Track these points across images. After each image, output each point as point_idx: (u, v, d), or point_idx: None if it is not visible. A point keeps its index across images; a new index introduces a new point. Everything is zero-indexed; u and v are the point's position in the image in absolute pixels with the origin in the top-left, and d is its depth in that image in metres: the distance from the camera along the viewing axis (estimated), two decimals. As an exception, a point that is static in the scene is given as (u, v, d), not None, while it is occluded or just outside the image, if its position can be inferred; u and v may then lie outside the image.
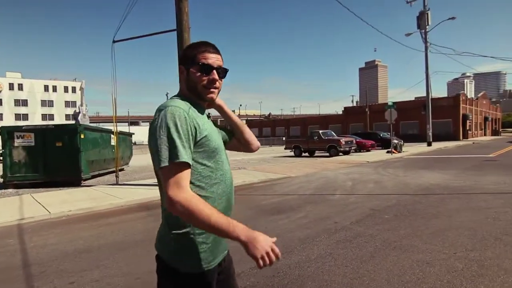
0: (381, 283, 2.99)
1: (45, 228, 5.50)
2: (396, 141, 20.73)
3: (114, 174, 10.48)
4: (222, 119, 1.59)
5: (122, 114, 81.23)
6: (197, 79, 1.31)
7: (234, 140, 1.60)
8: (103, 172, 12.41)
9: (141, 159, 19.87)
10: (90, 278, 3.37)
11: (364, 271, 3.25)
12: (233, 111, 3.56)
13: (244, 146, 1.63)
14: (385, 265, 3.38)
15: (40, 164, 10.06)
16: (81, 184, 10.13)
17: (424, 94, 29.20)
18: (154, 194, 7.85)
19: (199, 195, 1.21)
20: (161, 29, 9.88)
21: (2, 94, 77.57)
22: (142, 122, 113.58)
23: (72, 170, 10.03)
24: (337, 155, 19.29)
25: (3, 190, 9.62)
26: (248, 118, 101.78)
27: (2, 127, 10.32)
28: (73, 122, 24.46)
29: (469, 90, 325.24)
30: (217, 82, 1.33)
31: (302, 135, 44.06)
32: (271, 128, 67.52)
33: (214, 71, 1.31)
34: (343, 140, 19.72)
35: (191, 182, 1.21)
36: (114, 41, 9.50)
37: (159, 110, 1.23)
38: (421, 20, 26.43)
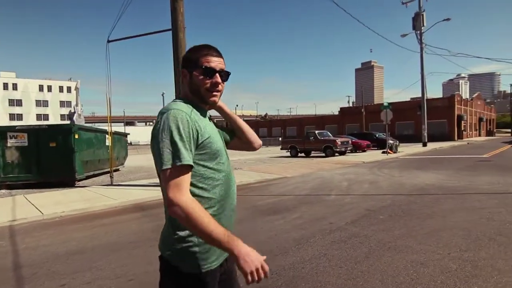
0: (375, 284, 2.99)
1: (37, 230, 5.43)
2: (391, 142, 20.83)
3: (109, 174, 10.41)
4: (222, 119, 1.60)
5: (117, 114, 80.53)
6: (200, 82, 1.33)
7: (236, 139, 1.62)
8: (98, 173, 12.31)
9: (137, 160, 19.79)
10: (81, 280, 3.33)
11: (358, 272, 3.25)
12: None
13: (246, 145, 1.65)
14: (379, 266, 3.38)
15: (33, 164, 9.96)
16: (75, 185, 10.04)
17: (420, 95, 29.42)
18: (149, 194, 7.80)
19: (202, 196, 1.24)
20: (157, 29, 9.82)
21: (-4, 94, 76.94)
22: (138, 122, 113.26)
23: (66, 170, 9.94)
24: (333, 155, 19.33)
25: (-4, 191, 9.52)
26: (245, 119, 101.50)
27: (-5, 127, 10.21)
28: (68, 122, 24.31)
29: (464, 91, 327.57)
30: (219, 85, 1.36)
31: (298, 135, 44.15)
32: (267, 129, 67.57)
33: (217, 74, 1.33)
34: (339, 140, 19.79)
35: (193, 184, 1.23)
36: (108, 41, 9.45)
37: (161, 113, 1.25)
38: (416, 21, 26.56)
